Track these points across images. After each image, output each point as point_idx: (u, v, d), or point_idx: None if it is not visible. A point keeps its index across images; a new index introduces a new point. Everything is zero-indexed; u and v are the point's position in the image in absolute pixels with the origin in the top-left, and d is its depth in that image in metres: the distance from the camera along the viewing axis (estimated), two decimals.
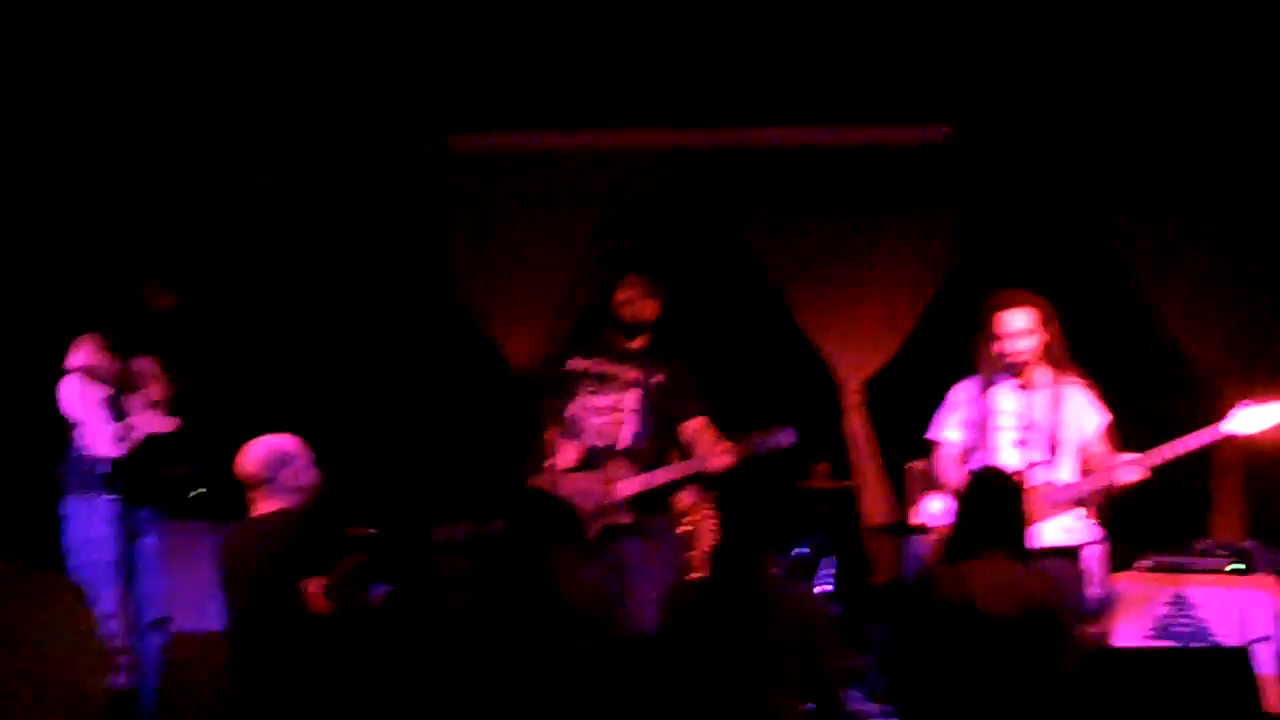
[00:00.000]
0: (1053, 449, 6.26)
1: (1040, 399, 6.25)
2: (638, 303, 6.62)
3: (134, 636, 6.37)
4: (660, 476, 6.48)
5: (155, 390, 6.60)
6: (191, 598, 6.89)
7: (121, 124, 7.70)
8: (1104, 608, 6.71)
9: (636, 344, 6.65)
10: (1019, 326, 6.25)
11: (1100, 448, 6.30)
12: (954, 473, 6.31)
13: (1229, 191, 7.85)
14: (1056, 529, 6.13)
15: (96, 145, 7.75)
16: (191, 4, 7.08)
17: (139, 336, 6.59)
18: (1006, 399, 6.29)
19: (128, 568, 6.46)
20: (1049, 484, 6.18)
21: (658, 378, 6.58)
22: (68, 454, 6.46)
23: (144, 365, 6.62)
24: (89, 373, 6.50)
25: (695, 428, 6.55)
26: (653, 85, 7.69)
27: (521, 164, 8.32)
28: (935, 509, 6.32)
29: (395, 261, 8.36)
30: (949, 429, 6.42)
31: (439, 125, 8.09)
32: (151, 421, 6.56)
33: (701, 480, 6.79)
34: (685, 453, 6.56)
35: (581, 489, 6.27)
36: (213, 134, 7.89)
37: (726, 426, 6.53)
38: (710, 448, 6.42)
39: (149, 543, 6.58)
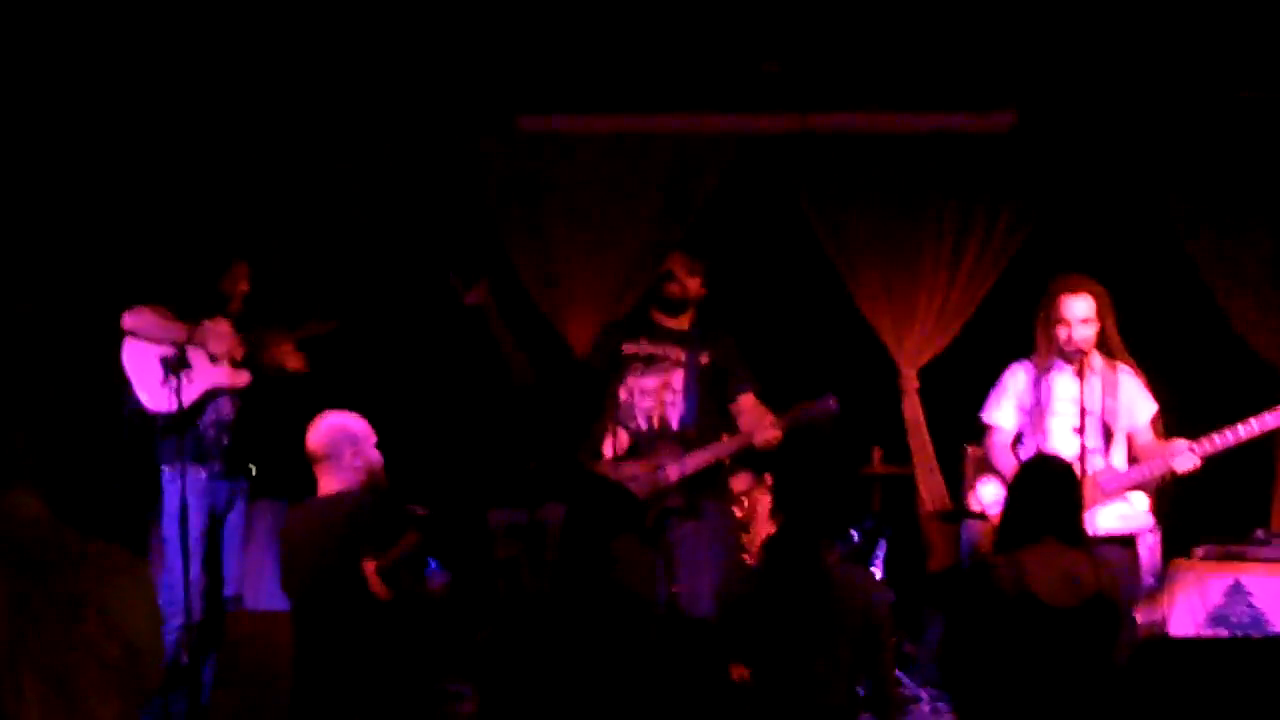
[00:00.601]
0: (1108, 436, 6.25)
1: (1094, 385, 6.23)
2: (681, 279, 6.58)
3: (202, 612, 6.41)
4: (709, 455, 6.46)
5: (223, 347, 6.61)
6: (252, 575, 6.96)
7: (189, 107, 7.79)
8: (1158, 595, 6.70)
9: (682, 322, 6.60)
10: (1083, 313, 6.23)
11: (1148, 436, 6.30)
12: (1006, 457, 6.32)
13: None
14: (1112, 516, 6.13)
15: (168, 128, 7.85)
16: None
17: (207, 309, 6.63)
18: (1063, 384, 6.27)
19: (207, 542, 6.50)
20: (1106, 470, 6.17)
21: (705, 357, 6.53)
22: (152, 423, 6.51)
23: (216, 326, 6.64)
24: (142, 332, 6.53)
25: (746, 405, 6.53)
26: (716, 69, 7.69)
27: (585, 146, 8.35)
28: (990, 495, 6.32)
29: (455, 241, 8.41)
30: (1002, 412, 6.41)
31: (503, 107, 8.13)
32: (214, 376, 6.57)
33: (752, 458, 6.77)
34: (737, 431, 6.53)
35: (631, 475, 6.26)
36: (277, 116, 7.97)
37: (784, 409, 6.52)
38: (757, 423, 6.40)
39: (234, 518, 6.62)
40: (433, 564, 6.44)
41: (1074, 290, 6.25)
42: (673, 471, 6.36)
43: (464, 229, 8.34)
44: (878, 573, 7.28)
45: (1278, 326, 7.71)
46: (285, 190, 8.13)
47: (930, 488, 8.03)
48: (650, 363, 6.53)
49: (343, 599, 5.41)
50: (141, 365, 6.51)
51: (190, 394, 6.43)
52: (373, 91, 7.89)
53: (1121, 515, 6.16)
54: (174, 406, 6.32)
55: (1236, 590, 6.79)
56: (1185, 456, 6.13)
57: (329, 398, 6.12)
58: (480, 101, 8.08)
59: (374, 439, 5.77)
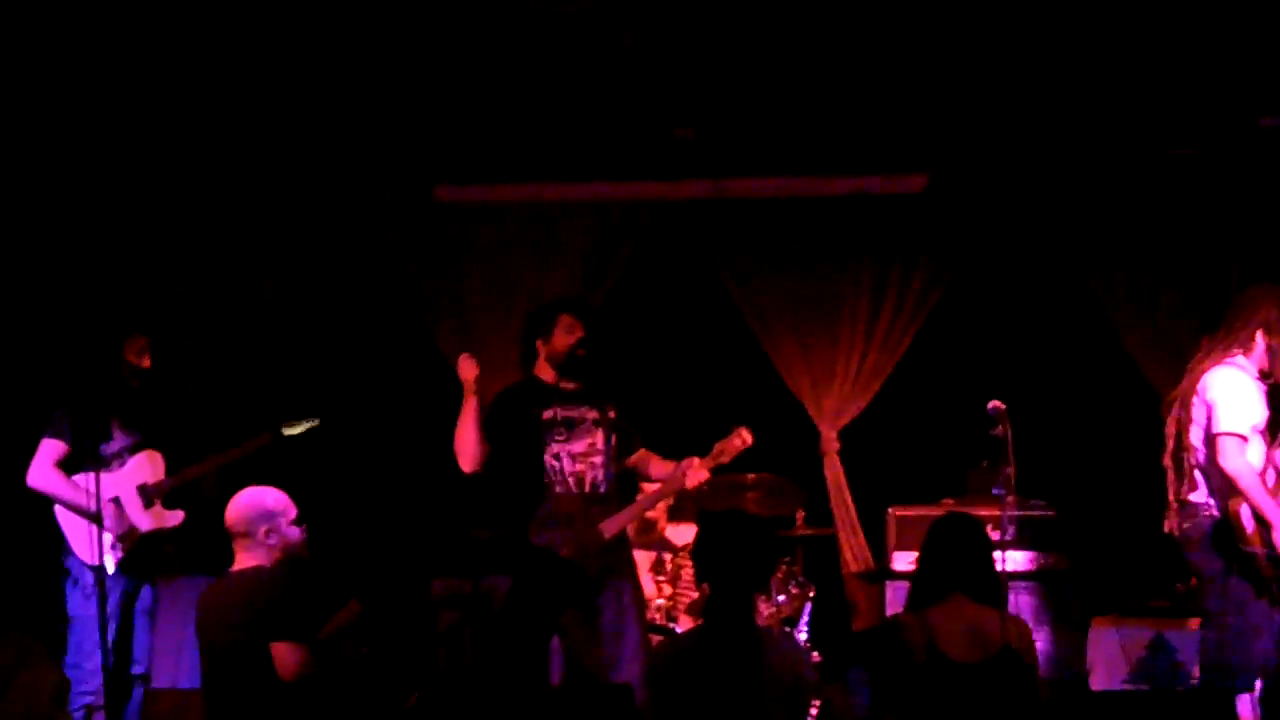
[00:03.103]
0: None
1: None
2: (586, 341, 6.49)
3: (114, 691, 6.29)
4: (639, 508, 6.41)
5: (153, 478, 6.55)
6: (170, 654, 6.86)
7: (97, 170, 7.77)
8: None
9: (583, 382, 6.53)
10: None
11: None
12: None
13: (1200, 235, 7.94)
14: None
15: (78, 197, 7.82)
16: (170, 44, 7.03)
17: (116, 409, 6.51)
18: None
19: (119, 622, 6.40)
20: None
21: (611, 410, 6.49)
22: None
23: (144, 460, 6.57)
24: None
25: (643, 455, 6.47)
26: (631, 138, 7.73)
27: (502, 216, 8.37)
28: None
29: (383, 311, 8.39)
30: (1249, 423, 5.91)
31: (423, 176, 8.14)
32: (151, 519, 6.51)
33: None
34: (638, 479, 6.46)
35: (565, 539, 6.17)
36: (193, 189, 7.95)
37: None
38: (679, 467, 6.31)
39: (143, 596, 6.53)
40: None
41: None
42: (609, 528, 6.26)
43: (383, 300, 8.34)
44: (803, 635, 7.26)
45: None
46: (200, 266, 8.10)
47: (853, 548, 8.05)
48: (571, 426, 6.43)
49: (251, 678, 5.32)
50: (74, 521, 6.43)
51: (125, 547, 6.40)
52: (289, 165, 7.88)
53: None
54: (114, 558, 6.29)
55: (1159, 644, 6.83)
56: None
57: (264, 469, 6.07)
58: (398, 173, 8.09)
59: (293, 514, 5.68)
